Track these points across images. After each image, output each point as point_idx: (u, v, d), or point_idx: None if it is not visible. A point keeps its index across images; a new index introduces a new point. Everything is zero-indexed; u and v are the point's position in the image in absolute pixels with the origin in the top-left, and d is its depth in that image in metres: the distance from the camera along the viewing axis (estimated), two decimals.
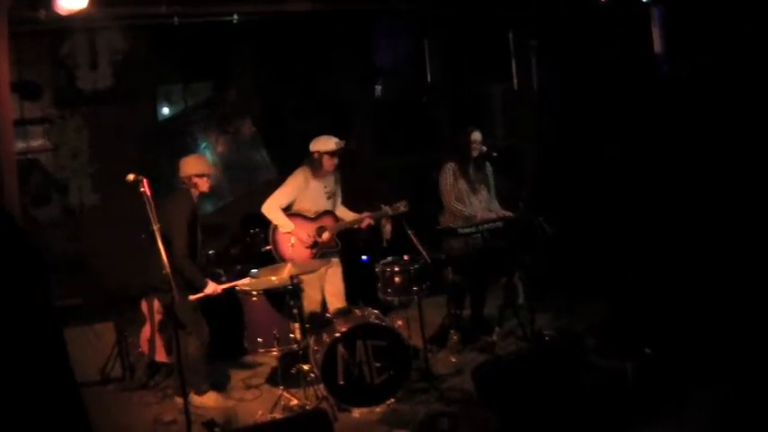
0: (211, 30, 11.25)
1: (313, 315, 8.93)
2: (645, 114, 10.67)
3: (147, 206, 6.91)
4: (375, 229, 9.64)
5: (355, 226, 9.39)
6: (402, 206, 9.18)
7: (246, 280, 8.22)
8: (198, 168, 8.34)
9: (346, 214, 9.50)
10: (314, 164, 9.16)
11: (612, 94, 11.09)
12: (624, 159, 10.84)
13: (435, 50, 13.03)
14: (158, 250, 6.94)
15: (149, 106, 12.05)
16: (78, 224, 11.26)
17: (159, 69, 11.92)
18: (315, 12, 11.13)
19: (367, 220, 9.30)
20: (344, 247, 9.49)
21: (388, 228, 9.54)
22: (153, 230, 6.98)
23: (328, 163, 9.13)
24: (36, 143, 11.35)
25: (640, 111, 10.75)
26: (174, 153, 9.79)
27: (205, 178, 8.35)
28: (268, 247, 9.30)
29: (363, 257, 10.75)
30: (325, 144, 9.11)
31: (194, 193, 8.32)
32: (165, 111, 12.34)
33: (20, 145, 10.57)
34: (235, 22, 10.86)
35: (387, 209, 9.23)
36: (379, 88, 13.50)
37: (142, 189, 6.94)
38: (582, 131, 11.49)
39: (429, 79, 13.12)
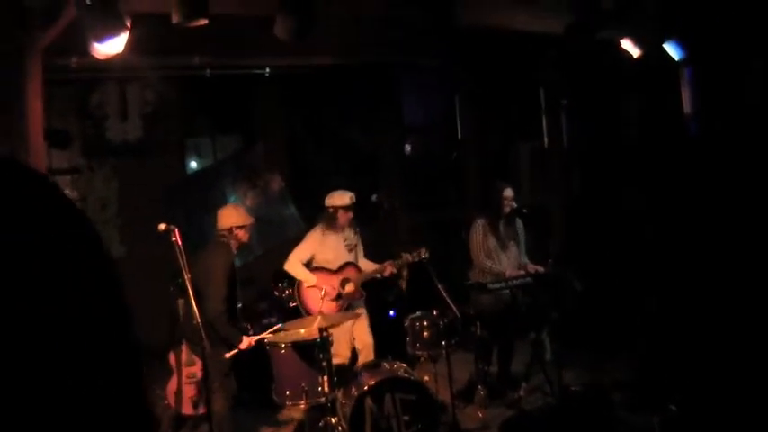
0: (241, 83, 11.31)
1: (341, 368, 8.84)
2: (673, 173, 10.63)
3: (178, 256, 6.88)
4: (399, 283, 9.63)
5: (378, 276, 9.39)
6: (422, 253, 9.04)
7: (276, 327, 8.15)
8: (238, 220, 8.19)
9: (368, 266, 9.51)
10: (329, 219, 9.23)
11: (641, 154, 11.05)
12: (652, 217, 10.77)
13: (466, 107, 13.02)
14: (189, 300, 6.91)
15: (178, 159, 12.12)
16: None
17: (188, 122, 11.99)
18: (344, 66, 11.19)
19: (389, 268, 9.27)
20: (372, 302, 9.48)
21: (406, 275, 9.60)
22: (182, 281, 6.96)
23: (343, 217, 9.19)
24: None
25: (668, 170, 10.70)
26: (203, 206, 9.81)
27: (244, 230, 8.24)
28: (294, 304, 9.28)
29: (391, 313, 10.69)
30: (339, 199, 9.19)
31: (233, 245, 8.20)
32: (194, 164, 12.37)
33: None
34: (267, 75, 10.90)
35: (407, 256, 9.17)
36: (408, 147, 13.52)
37: (174, 239, 6.92)
38: (610, 190, 11.44)
39: (459, 136, 13.09)
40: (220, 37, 9.65)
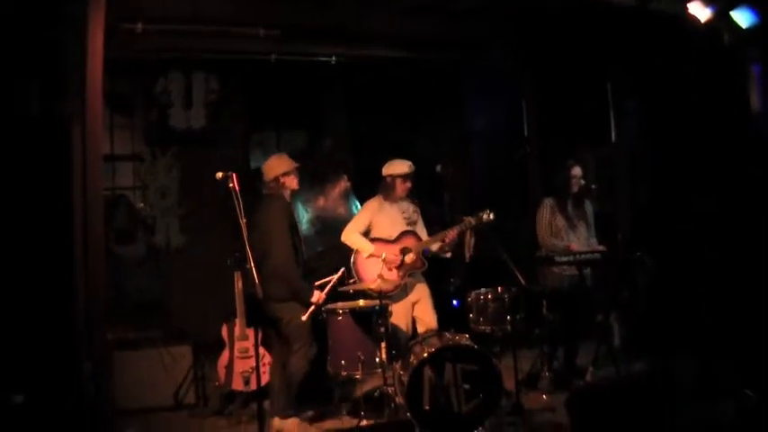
0: (306, 73, 11.18)
1: (400, 339, 8.50)
2: (740, 172, 10.31)
3: (235, 201, 6.77)
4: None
5: (436, 247, 8.91)
6: (486, 215, 8.67)
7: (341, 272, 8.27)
8: (282, 167, 8.14)
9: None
10: (387, 188, 8.92)
11: (708, 152, 10.72)
12: (721, 217, 10.43)
13: (531, 108, 12.73)
14: (245, 249, 6.80)
15: (242, 152, 11.99)
16: (163, 264, 11.14)
17: (253, 115, 11.89)
18: (409, 61, 11.04)
19: (451, 233, 8.72)
20: (434, 291, 9.10)
21: (471, 241, 9.17)
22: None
23: (401, 187, 8.86)
24: (124, 180, 11.31)
25: (737, 168, 10.39)
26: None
27: (292, 176, 8.17)
28: (352, 280, 8.90)
29: (454, 302, 10.31)
30: (397, 167, 8.87)
31: (285, 194, 8.12)
32: (258, 158, 12.21)
33: (108, 181, 10.57)
34: (333, 63, 10.78)
35: (470, 219, 8.71)
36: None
37: (231, 185, 6.82)
38: (678, 191, 11.10)
39: (526, 133, 12.76)
40: (285, 16, 9.59)
